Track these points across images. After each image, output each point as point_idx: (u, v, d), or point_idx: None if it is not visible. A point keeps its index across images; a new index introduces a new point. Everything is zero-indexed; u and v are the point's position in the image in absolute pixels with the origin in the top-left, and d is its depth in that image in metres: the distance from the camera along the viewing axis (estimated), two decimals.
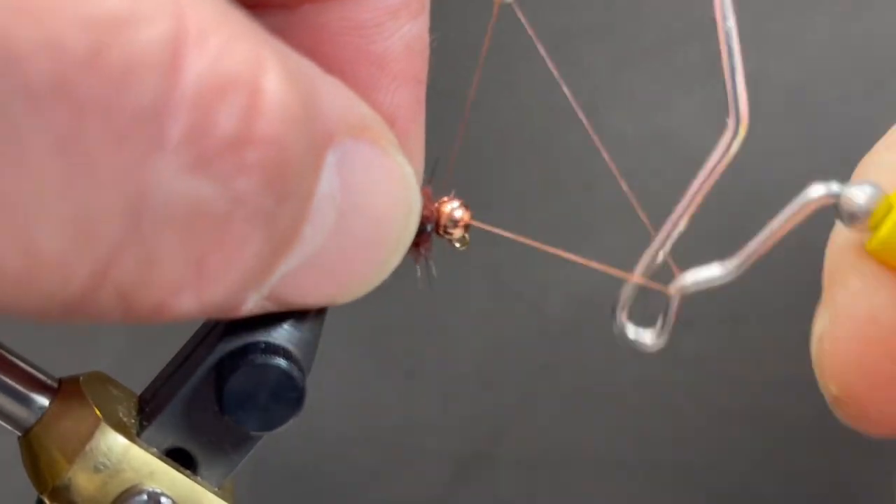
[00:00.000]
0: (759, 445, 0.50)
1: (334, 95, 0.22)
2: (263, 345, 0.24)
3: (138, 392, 0.27)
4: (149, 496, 0.24)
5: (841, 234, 0.25)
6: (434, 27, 0.27)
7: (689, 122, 0.52)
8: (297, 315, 0.25)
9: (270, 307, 0.23)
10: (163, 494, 0.25)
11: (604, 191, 0.51)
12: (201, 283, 0.20)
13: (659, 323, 0.26)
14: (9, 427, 0.25)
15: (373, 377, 0.53)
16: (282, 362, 0.24)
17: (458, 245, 0.27)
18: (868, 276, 0.24)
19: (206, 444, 0.25)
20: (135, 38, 0.17)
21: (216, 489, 0.26)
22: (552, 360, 0.52)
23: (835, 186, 0.24)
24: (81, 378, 0.26)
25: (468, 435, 0.52)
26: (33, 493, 0.25)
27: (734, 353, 0.48)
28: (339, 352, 0.52)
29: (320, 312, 0.25)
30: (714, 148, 0.24)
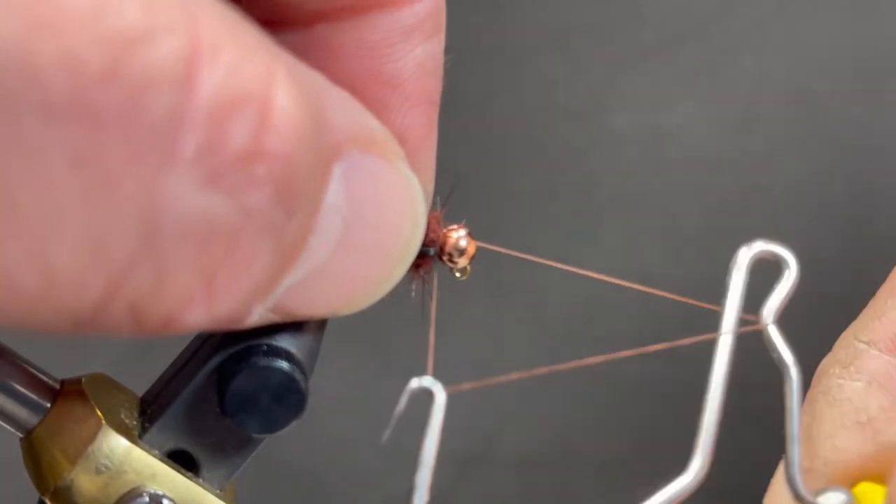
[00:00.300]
0: (759, 445, 0.50)
1: (342, 107, 0.22)
2: (265, 347, 0.24)
3: (140, 394, 0.27)
4: (150, 498, 0.24)
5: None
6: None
7: (689, 122, 0.52)
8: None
9: (275, 318, 0.22)
10: (164, 496, 0.25)
11: (604, 190, 0.51)
12: (211, 296, 0.20)
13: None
14: (10, 428, 0.25)
15: (373, 377, 0.53)
16: (284, 365, 0.24)
17: (458, 275, 0.27)
18: None
19: (208, 446, 0.25)
20: (151, 53, 0.18)
21: (218, 491, 0.26)
22: (552, 360, 0.52)
23: (807, 494, 0.25)
24: (83, 379, 0.26)
25: (468, 435, 0.52)
26: (35, 495, 0.25)
27: (734, 353, 0.48)
28: (340, 352, 0.52)
29: None
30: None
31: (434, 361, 0.51)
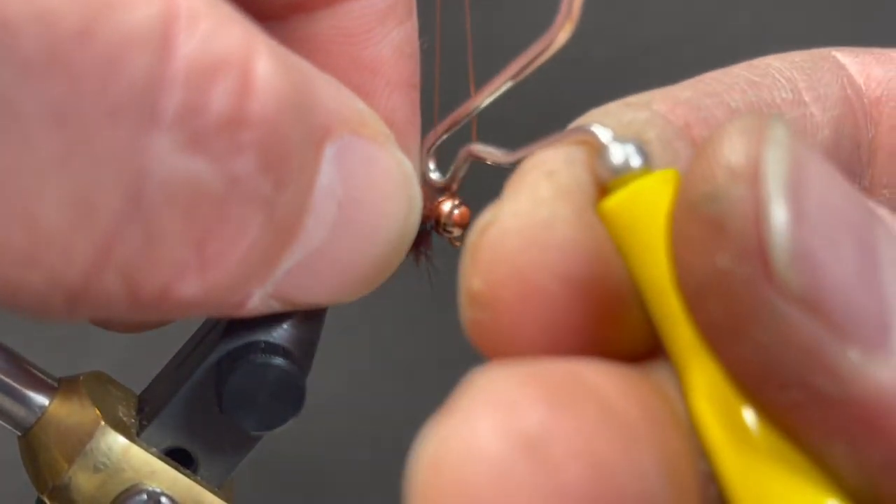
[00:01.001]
0: None
1: (330, 91, 0.22)
2: (263, 344, 0.24)
3: (138, 392, 0.27)
4: (148, 496, 0.24)
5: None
6: (422, 31, 0.27)
7: None
8: (297, 315, 0.25)
9: (276, 306, 0.22)
10: (163, 494, 0.25)
11: None
12: (204, 265, 0.20)
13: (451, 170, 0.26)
14: (9, 427, 0.25)
15: (373, 377, 0.53)
16: (282, 362, 0.24)
17: (457, 244, 0.27)
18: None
19: (206, 443, 0.25)
20: (128, 14, 0.18)
21: (216, 489, 0.26)
22: None
23: (607, 137, 0.20)
24: (81, 378, 0.26)
25: None
26: (33, 493, 0.25)
27: None
28: (339, 352, 0.52)
29: (320, 312, 0.25)
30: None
31: (436, 357, 0.50)
